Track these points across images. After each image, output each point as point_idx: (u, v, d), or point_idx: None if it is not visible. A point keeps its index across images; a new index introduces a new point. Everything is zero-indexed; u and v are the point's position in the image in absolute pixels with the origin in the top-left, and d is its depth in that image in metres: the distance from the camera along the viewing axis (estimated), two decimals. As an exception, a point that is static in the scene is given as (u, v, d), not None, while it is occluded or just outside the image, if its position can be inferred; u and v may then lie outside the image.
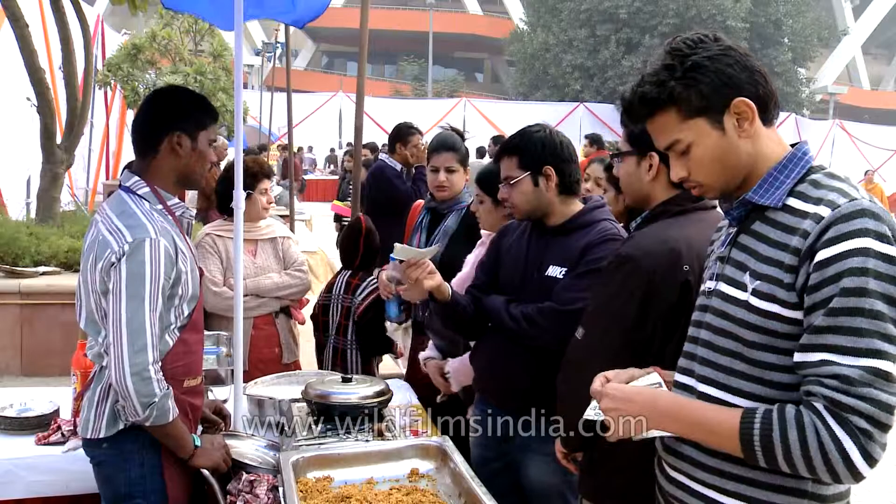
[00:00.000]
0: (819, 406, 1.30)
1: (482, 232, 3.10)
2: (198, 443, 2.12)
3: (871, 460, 1.27)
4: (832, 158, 23.23)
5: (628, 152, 2.06)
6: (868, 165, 22.09)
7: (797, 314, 1.37)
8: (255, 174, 3.51)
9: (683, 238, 1.87)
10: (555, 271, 2.36)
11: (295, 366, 3.55)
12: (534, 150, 2.40)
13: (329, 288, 3.60)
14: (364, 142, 6.60)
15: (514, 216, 2.52)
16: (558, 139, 2.43)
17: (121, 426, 2.04)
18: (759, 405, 1.39)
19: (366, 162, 9.37)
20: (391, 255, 2.41)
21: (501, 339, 2.43)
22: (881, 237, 1.31)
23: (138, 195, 2.10)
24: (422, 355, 3.02)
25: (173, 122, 2.11)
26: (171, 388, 2.01)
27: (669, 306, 1.83)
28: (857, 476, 1.28)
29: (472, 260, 2.98)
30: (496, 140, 10.60)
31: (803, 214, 1.39)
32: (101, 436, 2.05)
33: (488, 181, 2.78)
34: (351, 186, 9.24)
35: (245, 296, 3.35)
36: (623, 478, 1.95)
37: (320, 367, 3.55)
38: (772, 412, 1.35)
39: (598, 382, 1.62)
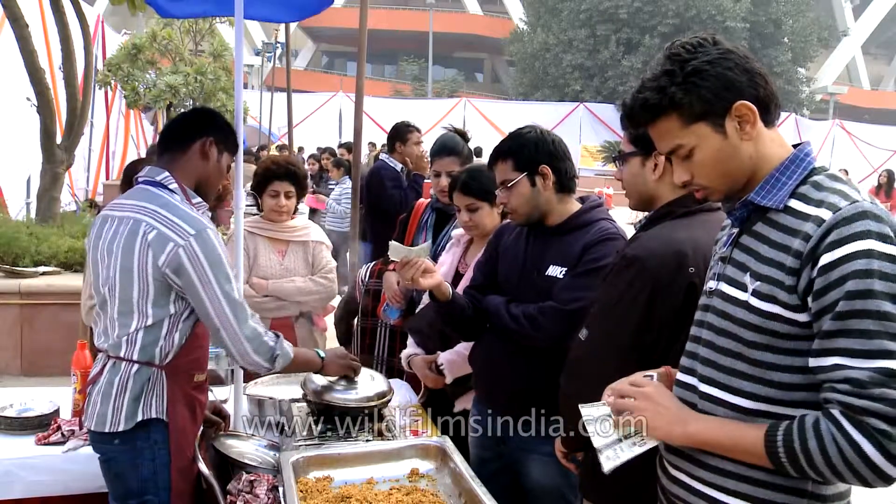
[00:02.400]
0: (836, 412, 1.30)
1: (453, 233, 3.10)
2: (321, 355, 2.36)
3: (894, 460, 1.26)
4: (832, 158, 23.21)
5: (632, 153, 2.05)
6: (868, 166, 22.09)
7: (797, 315, 1.38)
8: (262, 175, 3.50)
9: (689, 239, 1.86)
10: (555, 271, 2.35)
11: None
12: (528, 150, 2.39)
13: (379, 275, 3.58)
14: (364, 142, 6.60)
15: (514, 220, 2.50)
16: (550, 137, 2.42)
17: (139, 418, 2.06)
18: (782, 421, 1.39)
19: (337, 162, 9.41)
20: (388, 253, 2.42)
21: (500, 339, 2.42)
22: (883, 238, 1.31)
23: (169, 189, 2.14)
24: (404, 353, 3.01)
25: (213, 129, 2.23)
26: (279, 335, 2.18)
27: (675, 308, 1.82)
28: (885, 477, 1.28)
29: (447, 260, 2.97)
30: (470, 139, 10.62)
31: (804, 217, 1.39)
32: (121, 429, 2.06)
33: (478, 186, 2.77)
34: (331, 185, 9.30)
35: (265, 296, 3.38)
36: (624, 478, 1.95)
37: (370, 351, 3.54)
38: (792, 425, 1.35)
39: (609, 396, 1.62)
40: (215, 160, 2.23)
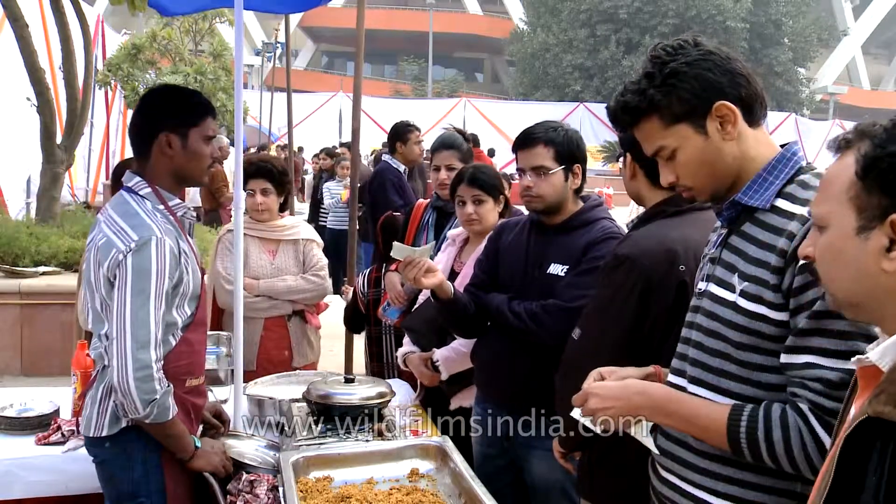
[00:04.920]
0: (804, 408, 1.31)
1: (449, 233, 3.10)
2: (198, 444, 2.12)
3: None
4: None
5: (621, 153, 2.11)
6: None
7: (783, 316, 1.38)
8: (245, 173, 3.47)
9: (680, 238, 1.87)
10: (556, 269, 2.38)
11: (310, 369, 3.50)
12: (572, 146, 2.42)
13: (375, 283, 3.58)
14: (366, 143, 6.59)
15: (533, 206, 2.46)
16: (583, 143, 2.50)
17: (123, 424, 2.04)
18: (747, 404, 1.40)
19: (325, 166, 9.46)
20: (391, 253, 2.42)
21: (502, 337, 2.44)
22: None
23: (140, 195, 2.10)
24: (400, 351, 3.01)
25: (161, 122, 2.10)
26: (171, 386, 2.02)
27: (667, 306, 1.83)
28: None
29: (442, 259, 2.97)
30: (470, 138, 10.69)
31: (790, 216, 1.40)
32: (104, 434, 2.05)
33: (485, 180, 2.77)
34: (326, 184, 9.31)
35: (257, 296, 3.37)
36: (622, 479, 1.95)
37: (374, 360, 3.53)
38: (758, 410, 1.37)
39: (591, 378, 1.62)
40: (180, 149, 2.10)
